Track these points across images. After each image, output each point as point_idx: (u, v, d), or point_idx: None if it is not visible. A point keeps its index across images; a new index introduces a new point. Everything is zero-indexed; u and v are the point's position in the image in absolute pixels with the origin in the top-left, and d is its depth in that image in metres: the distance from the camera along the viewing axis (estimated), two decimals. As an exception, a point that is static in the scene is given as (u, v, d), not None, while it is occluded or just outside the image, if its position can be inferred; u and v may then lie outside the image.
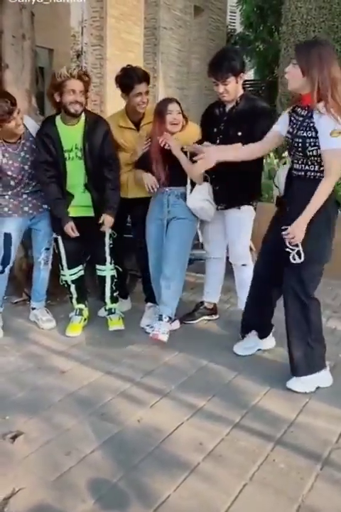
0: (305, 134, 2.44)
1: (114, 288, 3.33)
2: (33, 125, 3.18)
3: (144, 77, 3.17)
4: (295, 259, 2.48)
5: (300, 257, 2.46)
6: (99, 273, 3.31)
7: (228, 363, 2.87)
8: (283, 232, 2.47)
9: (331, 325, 3.45)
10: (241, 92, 3.12)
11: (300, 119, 2.51)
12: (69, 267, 3.31)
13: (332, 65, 2.37)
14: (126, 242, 3.55)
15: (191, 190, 3.07)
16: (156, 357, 2.95)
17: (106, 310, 3.38)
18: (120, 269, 3.42)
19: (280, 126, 2.65)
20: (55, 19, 13.45)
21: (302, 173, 2.52)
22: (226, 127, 3.13)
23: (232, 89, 3.04)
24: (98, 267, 3.30)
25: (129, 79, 3.14)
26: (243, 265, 3.30)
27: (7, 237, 3.20)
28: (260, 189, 3.36)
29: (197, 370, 2.80)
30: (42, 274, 3.41)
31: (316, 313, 2.60)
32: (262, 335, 3.01)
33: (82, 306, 3.39)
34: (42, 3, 10.77)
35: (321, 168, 2.44)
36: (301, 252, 2.46)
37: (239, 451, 2.10)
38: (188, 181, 3.07)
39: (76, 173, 3.10)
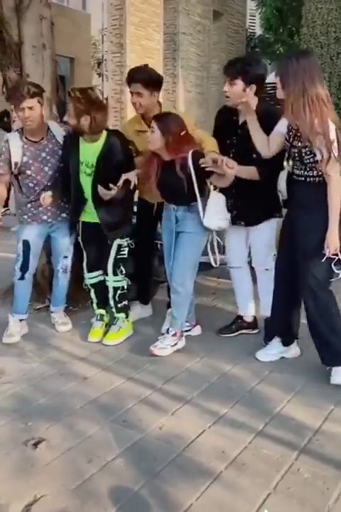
0: (300, 145, 2.54)
1: (117, 299, 3.25)
2: (57, 130, 3.22)
3: (138, 77, 3.09)
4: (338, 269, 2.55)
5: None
6: (105, 281, 3.27)
7: (251, 370, 2.83)
8: (325, 251, 2.52)
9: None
10: (255, 102, 2.91)
11: (295, 129, 2.58)
12: (89, 271, 3.32)
13: (308, 77, 2.44)
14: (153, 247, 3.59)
15: (204, 208, 2.91)
16: (178, 363, 2.93)
17: (96, 319, 3.36)
18: (129, 282, 3.32)
19: (284, 128, 2.67)
20: (76, 29, 13.69)
21: (303, 178, 2.62)
22: (239, 142, 3.01)
23: (236, 94, 2.87)
24: (103, 274, 3.29)
25: (127, 78, 3.21)
26: (266, 269, 3.22)
27: (25, 244, 3.24)
28: (279, 202, 3.08)
29: (219, 377, 2.77)
30: (60, 282, 3.44)
31: (335, 306, 2.67)
32: (286, 342, 2.96)
33: (102, 311, 3.39)
34: (63, 14, 10.94)
35: (320, 173, 2.54)
36: None
37: (262, 460, 2.06)
38: (198, 199, 2.90)
39: (86, 187, 3.12)
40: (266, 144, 2.76)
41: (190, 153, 2.82)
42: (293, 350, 2.98)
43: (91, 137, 3.04)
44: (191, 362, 2.94)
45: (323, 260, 2.52)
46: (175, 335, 3.04)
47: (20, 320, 3.37)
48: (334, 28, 7.99)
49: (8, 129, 4.14)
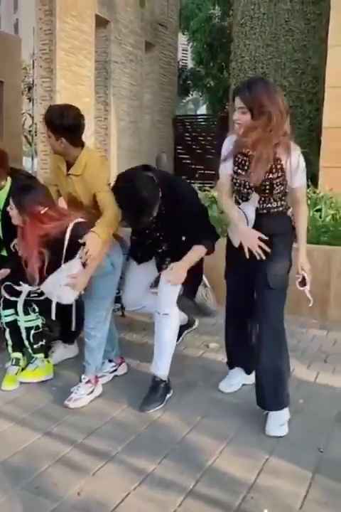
0: (272, 176, 2.39)
1: (32, 340, 2.97)
2: None
3: (45, 117, 2.79)
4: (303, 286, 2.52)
5: (305, 284, 2.51)
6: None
7: (181, 416, 2.62)
8: (299, 274, 2.50)
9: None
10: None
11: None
12: (4, 308, 3.02)
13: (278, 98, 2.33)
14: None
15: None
16: (102, 412, 2.66)
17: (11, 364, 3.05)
18: (43, 321, 3.03)
19: (229, 168, 2.51)
20: (6, 52, 13.25)
21: (265, 211, 2.50)
22: (162, 227, 2.86)
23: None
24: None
25: None
26: (164, 315, 2.81)
27: None
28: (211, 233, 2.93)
29: (147, 427, 2.52)
30: None
31: (286, 343, 2.59)
32: (248, 370, 2.88)
33: (18, 355, 3.05)
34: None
35: (282, 203, 2.50)
36: (306, 277, 2.50)
37: (192, 526, 1.84)
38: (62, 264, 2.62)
39: None
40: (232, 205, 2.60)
41: (71, 225, 2.57)
42: (253, 377, 2.77)
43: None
44: (117, 410, 2.68)
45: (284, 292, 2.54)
46: (89, 381, 2.79)
47: None
48: (262, 63, 8.29)
49: None
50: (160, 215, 2.72)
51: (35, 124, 18.26)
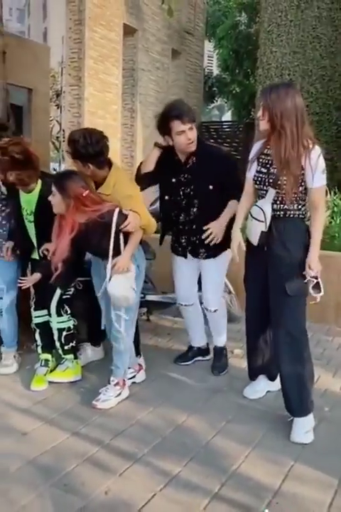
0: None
1: (64, 341, 3.05)
2: None
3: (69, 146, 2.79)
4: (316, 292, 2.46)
5: (319, 290, 2.44)
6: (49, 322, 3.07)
7: (207, 420, 2.65)
8: (308, 275, 2.43)
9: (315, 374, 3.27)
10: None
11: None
12: (35, 309, 3.12)
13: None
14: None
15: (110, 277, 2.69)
16: (128, 414, 2.71)
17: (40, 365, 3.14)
18: (75, 322, 3.13)
19: (253, 172, 2.60)
20: (35, 60, 13.55)
21: (282, 213, 2.50)
22: (191, 178, 3.01)
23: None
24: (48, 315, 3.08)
25: None
26: (215, 311, 3.21)
27: None
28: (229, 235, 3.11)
29: (172, 430, 2.56)
30: (1, 325, 3.24)
31: (307, 350, 2.55)
32: (272, 377, 2.88)
33: (48, 356, 3.14)
34: (23, 46, 10.82)
35: (299, 207, 2.48)
36: (320, 283, 2.45)
37: (218, 529, 1.86)
38: (110, 258, 2.68)
39: (31, 232, 3.03)
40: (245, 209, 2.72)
41: (116, 214, 2.63)
42: (278, 383, 2.78)
43: (24, 189, 2.93)
44: (143, 413, 2.72)
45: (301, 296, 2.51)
46: (117, 384, 2.84)
47: None
48: (288, 70, 8.26)
49: None
50: (192, 166, 2.96)
51: (62, 131, 18.58)
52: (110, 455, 2.33)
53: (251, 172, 2.60)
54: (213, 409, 2.78)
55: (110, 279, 2.67)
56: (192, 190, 3.00)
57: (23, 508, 1.96)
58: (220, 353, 3.36)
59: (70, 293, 3.03)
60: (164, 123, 2.88)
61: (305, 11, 8.15)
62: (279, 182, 2.42)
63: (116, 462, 2.27)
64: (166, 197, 3.11)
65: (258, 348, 2.81)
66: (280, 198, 2.46)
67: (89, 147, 2.69)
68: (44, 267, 2.91)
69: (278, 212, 2.49)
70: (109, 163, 2.85)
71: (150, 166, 3.01)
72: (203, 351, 3.45)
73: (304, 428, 2.47)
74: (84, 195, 2.61)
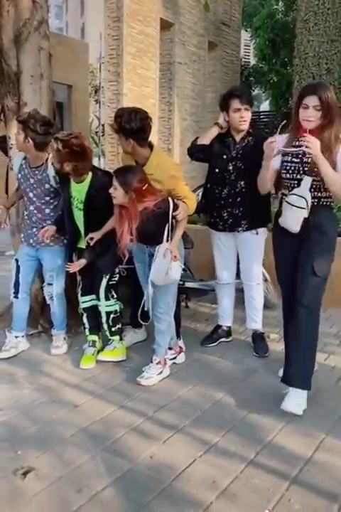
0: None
1: (111, 324, 3.31)
2: (50, 166, 3.31)
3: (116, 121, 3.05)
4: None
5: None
6: (98, 306, 3.32)
7: (243, 397, 2.83)
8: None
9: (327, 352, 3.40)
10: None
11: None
12: (82, 295, 3.36)
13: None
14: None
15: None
16: (170, 391, 2.92)
17: (88, 345, 3.39)
18: (121, 305, 3.39)
19: (277, 163, 2.75)
20: (74, 57, 13.92)
21: (316, 201, 2.66)
22: (241, 156, 3.32)
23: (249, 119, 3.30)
24: (96, 299, 3.33)
25: None
26: (257, 284, 3.49)
27: (16, 263, 3.43)
28: (270, 211, 3.45)
29: (211, 405, 2.75)
30: (51, 309, 3.51)
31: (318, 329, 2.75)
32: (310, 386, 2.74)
33: (95, 337, 3.40)
34: (62, 43, 11.16)
35: (330, 194, 2.66)
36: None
37: (253, 490, 2.04)
38: (164, 243, 2.89)
39: (79, 220, 3.25)
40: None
41: (171, 203, 2.86)
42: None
43: (76, 178, 3.15)
44: (183, 390, 2.93)
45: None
46: (159, 363, 3.06)
47: (16, 337, 3.44)
48: (326, 59, 8.20)
49: (6, 152, 4.20)
50: (246, 145, 3.28)
51: (102, 125, 18.97)
52: (154, 426, 2.55)
53: (276, 164, 2.74)
54: (250, 388, 2.96)
55: (170, 268, 2.87)
56: (243, 164, 3.26)
57: (78, 468, 2.21)
58: (260, 336, 3.55)
59: (116, 279, 3.27)
60: (225, 100, 3.28)
61: (342, -2, 8.06)
62: (316, 169, 2.56)
63: (159, 432, 2.49)
64: (216, 170, 3.37)
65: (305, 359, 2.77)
66: (314, 186, 2.63)
67: (133, 123, 2.97)
68: (89, 254, 3.16)
69: (313, 200, 2.64)
70: (150, 145, 3.10)
71: (206, 141, 3.34)
72: (227, 333, 3.69)
73: (298, 399, 2.61)
74: (143, 188, 2.82)
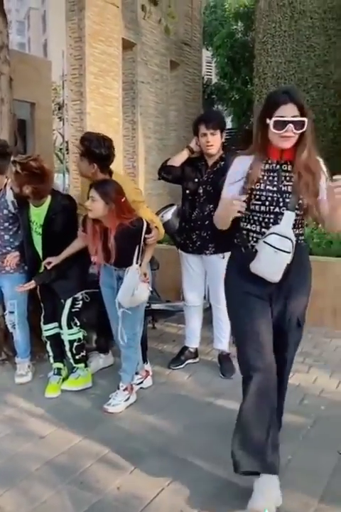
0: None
1: (75, 352, 3.26)
2: (9, 191, 3.27)
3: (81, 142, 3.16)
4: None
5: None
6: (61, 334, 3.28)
7: (209, 422, 2.84)
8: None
9: (312, 375, 3.47)
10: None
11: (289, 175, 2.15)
12: (45, 323, 3.32)
13: None
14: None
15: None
16: (137, 417, 2.91)
17: (53, 373, 3.34)
18: (85, 334, 3.36)
19: (236, 190, 2.22)
20: (37, 75, 13.84)
21: (296, 240, 2.16)
22: (209, 181, 3.36)
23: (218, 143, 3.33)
24: (58, 327, 3.29)
25: None
26: (225, 306, 3.41)
27: None
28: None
29: (178, 431, 2.75)
30: (14, 337, 3.45)
31: None
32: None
33: (60, 365, 3.35)
34: (25, 61, 11.07)
35: (304, 230, 2.27)
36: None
37: (221, 517, 2.05)
38: (134, 264, 2.88)
39: (38, 245, 3.22)
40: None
41: (145, 223, 2.88)
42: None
43: (35, 202, 3.13)
44: (151, 416, 2.92)
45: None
46: (126, 389, 3.05)
47: None
48: (284, 79, 8.48)
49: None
50: (217, 169, 3.30)
51: (66, 143, 18.85)
52: (121, 455, 2.52)
53: (233, 191, 2.20)
54: (216, 411, 2.97)
55: (136, 289, 2.86)
56: (213, 188, 3.30)
57: (44, 503, 2.17)
58: (227, 357, 3.58)
59: (79, 306, 3.24)
60: (195, 124, 3.39)
61: (298, 21, 8.38)
62: (300, 201, 2.13)
63: (127, 461, 2.47)
64: (188, 191, 3.46)
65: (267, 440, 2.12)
66: (297, 222, 2.18)
67: (102, 149, 3.07)
68: (42, 276, 3.13)
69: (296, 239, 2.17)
70: (110, 173, 3.20)
71: (176, 163, 3.41)
72: (194, 354, 3.72)
73: (277, 488, 2.10)
74: (122, 201, 2.82)
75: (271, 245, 2.10)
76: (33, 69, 13.70)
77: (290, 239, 2.10)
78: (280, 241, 2.09)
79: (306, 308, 2.34)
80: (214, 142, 3.29)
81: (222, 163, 3.34)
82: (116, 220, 2.80)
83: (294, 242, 2.11)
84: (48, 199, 3.13)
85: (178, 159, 3.41)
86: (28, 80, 13.19)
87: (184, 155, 3.41)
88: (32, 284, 3.13)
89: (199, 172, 3.39)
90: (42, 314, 3.34)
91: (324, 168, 2.17)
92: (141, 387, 3.25)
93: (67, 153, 16.90)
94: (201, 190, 3.37)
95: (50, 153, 15.33)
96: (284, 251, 2.09)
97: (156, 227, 3.04)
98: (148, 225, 2.91)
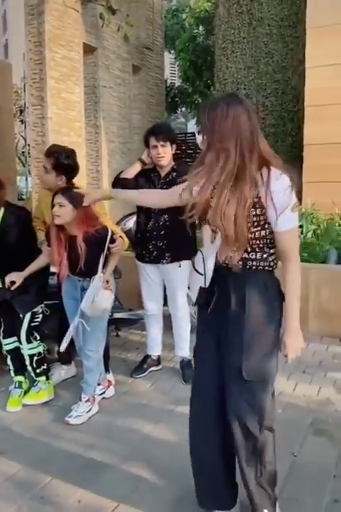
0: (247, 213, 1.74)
1: (35, 365, 3.24)
2: None
3: (46, 152, 3.22)
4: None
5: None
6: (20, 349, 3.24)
7: (172, 429, 2.88)
8: (287, 359, 1.87)
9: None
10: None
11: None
12: (4, 337, 3.29)
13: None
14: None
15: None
16: (99, 428, 2.93)
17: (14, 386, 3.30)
18: (44, 347, 3.34)
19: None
20: (-4, 77, 13.60)
21: (241, 263, 1.83)
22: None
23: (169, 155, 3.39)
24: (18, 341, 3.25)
25: None
26: (183, 314, 3.59)
27: None
28: (196, 244, 3.53)
29: (139, 440, 2.79)
30: None
31: (272, 446, 2.01)
32: (231, 504, 2.09)
33: (21, 378, 3.33)
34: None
35: (264, 256, 1.83)
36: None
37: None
38: (99, 274, 2.89)
39: None
40: (152, 199, 2.35)
41: (110, 232, 2.91)
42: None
43: None
44: (112, 426, 2.95)
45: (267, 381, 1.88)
46: (88, 400, 3.06)
47: None
48: (244, 85, 8.64)
49: None
50: (170, 180, 3.35)
51: (28, 146, 18.56)
52: (82, 467, 2.54)
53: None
54: (177, 418, 3.02)
55: (97, 295, 2.85)
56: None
57: (4, 521, 2.16)
58: (188, 363, 3.62)
59: (38, 320, 3.22)
60: (145, 137, 3.45)
61: (256, 28, 8.57)
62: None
63: (88, 473, 2.49)
64: (139, 223, 3.51)
65: (214, 469, 2.03)
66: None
67: (71, 161, 3.16)
68: (0, 293, 3.08)
69: (230, 263, 1.84)
70: (72, 184, 3.22)
71: (129, 175, 3.43)
72: (156, 361, 3.77)
73: None
74: (89, 207, 2.80)
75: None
76: (-7, 72, 13.46)
77: (203, 258, 1.95)
78: (197, 259, 2.00)
79: (260, 359, 1.82)
80: (164, 154, 3.35)
81: (174, 174, 3.41)
82: (82, 226, 2.81)
83: (207, 264, 1.91)
84: (1, 211, 3.07)
85: (131, 171, 3.44)
86: (-13, 83, 12.97)
87: (136, 167, 3.44)
88: None
89: (152, 183, 3.43)
90: (1, 328, 3.30)
91: (278, 187, 1.75)
92: (103, 397, 3.26)
93: (30, 156, 16.67)
94: None
95: (12, 157, 15.06)
96: (197, 271, 1.98)
97: (121, 237, 3.08)
98: (112, 233, 2.93)
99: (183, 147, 12.52)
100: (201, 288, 1.96)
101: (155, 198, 2.35)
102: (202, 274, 1.94)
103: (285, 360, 1.88)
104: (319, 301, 4.52)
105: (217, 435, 1.98)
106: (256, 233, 1.80)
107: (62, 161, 3.12)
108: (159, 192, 2.86)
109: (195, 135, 15.14)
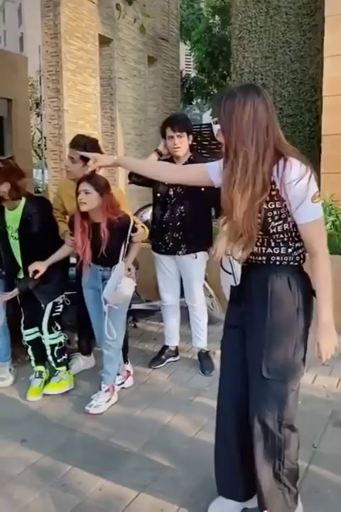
0: (266, 206, 1.71)
1: (56, 355, 3.28)
2: None
3: (71, 144, 3.23)
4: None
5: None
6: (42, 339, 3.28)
7: (190, 420, 2.90)
8: (322, 361, 1.81)
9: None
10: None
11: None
12: (25, 328, 3.33)
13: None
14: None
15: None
16: (119, 418, 2.95)
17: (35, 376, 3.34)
18: (66, 337, 3.37)
19: (212, 171, 1.94)
20: (13, 71, 13.67)
21: (264, 258, 1.80)
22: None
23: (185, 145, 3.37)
24: (39, 332, 3.29)
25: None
26: (200, 305, 3.61)
27: None
28: (212, 235, 3.57)
29: (159, 430, 2.81)
30: None
31: (295, 442, 1.96)
32: (247, 497, 2.08)
33: (41, 368, 3.37)
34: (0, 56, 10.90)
35: (289, 250, 1.77)
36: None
37: (200, 514, 2.12)
38: (121, 262, 2.92)
39: (16, 250, 3.21)
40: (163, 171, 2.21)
41: (132, 221, 2.93)
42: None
43: (10, 204, 3.11)
44: (132, 416, 2.97)
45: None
46: (108, 390, 3.09)
47: None
48: (261, 75, 8.54)
49: None
50: None
51: (44, 138, 18.67)
52: (103, 455, 2.57)
53: (212, 171, 1.95)
54: (196, 409, 3.03)
55: (119, 282, 2.87)
56: (183, 189, 3.36)
57: (27, 507, 2.20)
58: (206, 354, 3.65)
59: (59, 310, 3.26)
60: (162, 127, 3.45)
61: (274, 17, 8.46)
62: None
63: (109, 461, 2.52)
64: (158, 194, 3.50)
65: (234, 462, 2.03)
66: (259, 241, 1.80)
67: (97, 151, 3.07)
68: (24, 284, 3.13)
69: (258, 258, 1.82)
70: None
71: None
72: (174, 352, 3.78)
73: None
74: (112, 194, 2.86)
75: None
76: (9, 65, 13.55)
77: (230, 259, 2.01)
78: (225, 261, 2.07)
79: (283, 356, 1.79)
80: (180, 144, 3.35)
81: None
82: (107, 213, 2.84)
83: (234, 263, 1.95)
84: (23, 201, 3.12)
85: (147, 163, 3.44)
86: (4, 77, 13.05)
87: (153, 158, 3.44)
88: (15, 293, 3.13)
89: None
90: (22, 319, 3.34)
91: (293, 176, 1.69)
92: (122, 388, 3.29)
93: (46, 149, 16.78)
94: (171, 192, 3.41)
95: (28, 150, 15.20)
96: (225, 270, 2.08)
97: (142, 226, 3.11)
98: (134, 223, 2.95)
99: (199, 139, 12.49)
100: (232, 286, 1.95)
101: (182, 174, 2.17)
102: (230, 273, 1.96)
103: (319, 361, 1.82)
104: (339, 293, 4.47)
105: (237, 430, 2.00)
106: (278, 227, 1.74)
107: (90, 150, 3.12)
108: (184, 168, 2.68)
109: (210, 126, 15.09)
